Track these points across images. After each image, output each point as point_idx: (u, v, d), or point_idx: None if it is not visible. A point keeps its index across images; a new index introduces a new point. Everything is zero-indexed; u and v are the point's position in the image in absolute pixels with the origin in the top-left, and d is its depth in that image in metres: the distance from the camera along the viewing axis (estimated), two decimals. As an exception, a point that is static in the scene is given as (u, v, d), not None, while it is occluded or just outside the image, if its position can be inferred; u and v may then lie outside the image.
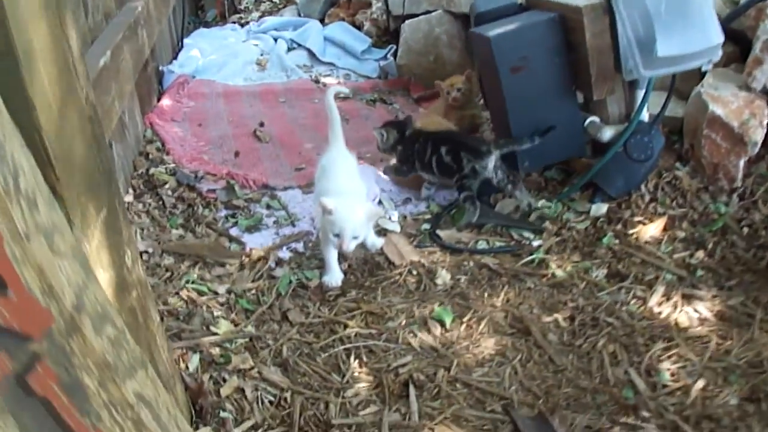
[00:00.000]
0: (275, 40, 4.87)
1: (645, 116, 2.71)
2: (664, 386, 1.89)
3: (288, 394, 1.88)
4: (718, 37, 2.49)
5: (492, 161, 2.66)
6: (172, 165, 3.11)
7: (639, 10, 2.44)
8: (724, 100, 2.65)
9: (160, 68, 3.99)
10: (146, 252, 2.46)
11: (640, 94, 2.66)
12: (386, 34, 4.68)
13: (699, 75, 2.82)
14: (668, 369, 1.94)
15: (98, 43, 2.59)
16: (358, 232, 2.27)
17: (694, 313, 2.15)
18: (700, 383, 1.87)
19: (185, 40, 4.60)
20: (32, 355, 0.86)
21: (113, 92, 2.48)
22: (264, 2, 6.11)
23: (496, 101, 2.86)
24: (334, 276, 2.35)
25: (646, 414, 1.78)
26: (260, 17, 5.61)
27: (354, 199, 2.35)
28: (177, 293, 2.26)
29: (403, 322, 2.16)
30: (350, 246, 2.25)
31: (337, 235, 2.24)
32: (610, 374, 1.92)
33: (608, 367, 1.95)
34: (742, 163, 2.62)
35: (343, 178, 2.46)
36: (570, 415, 1.80)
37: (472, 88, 3.35)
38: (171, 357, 1.57)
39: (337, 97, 2.73)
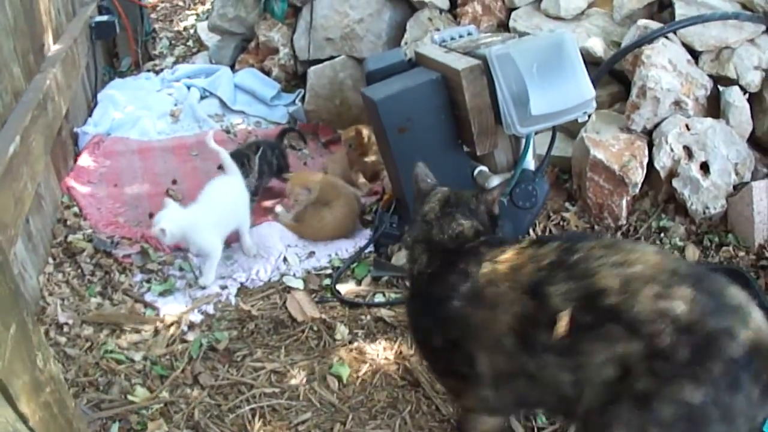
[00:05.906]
0: (188, 88, 5.01)
1: (531, 163, 2.84)
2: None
3: (199, 457, 2.08)
4: (590, 92, 2.61)
5: None
6: (89, 231, 3.25)
7: (512, 71, 2.55)
8: (605, 144, 2.86)
9: (75, 130, 4.11)
10: (66, 324, 2.62)
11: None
12: (295, 78, 4.88)
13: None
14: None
15: (6, 128, 2.65)
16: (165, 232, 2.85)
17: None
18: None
19: (99, 95, 4.71)
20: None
21: (25, 176, 2.60)
22: (178, 46, 6.25)
23: (387, 157, 3.07)
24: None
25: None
26: (174, 62, 5.75)
27: (178, 211, 2.98)
28: (96, 363, 2.44)
29: (305, 380, 2.38)
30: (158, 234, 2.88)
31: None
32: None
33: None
34: (624, 202, 2.86)
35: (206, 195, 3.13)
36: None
37: (364, 141, 3.58)
38: (87, 439, 1.76)
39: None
